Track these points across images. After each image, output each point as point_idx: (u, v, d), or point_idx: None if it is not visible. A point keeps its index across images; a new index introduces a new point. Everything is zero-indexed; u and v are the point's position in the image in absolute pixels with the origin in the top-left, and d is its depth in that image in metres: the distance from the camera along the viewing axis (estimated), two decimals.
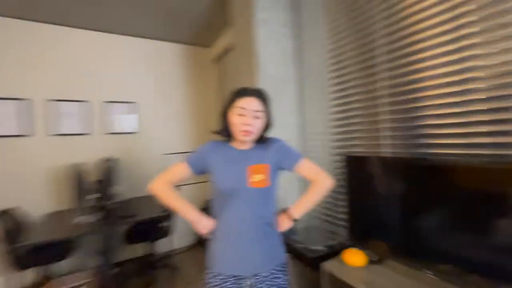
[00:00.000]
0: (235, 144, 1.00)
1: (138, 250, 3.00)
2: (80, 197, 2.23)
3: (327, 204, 1.77)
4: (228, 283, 0.92)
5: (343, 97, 1.59)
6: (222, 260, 0.95)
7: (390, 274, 1.06)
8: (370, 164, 1.24)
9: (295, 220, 1.02)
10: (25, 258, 1.92)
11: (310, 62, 1.86)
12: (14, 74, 2.49)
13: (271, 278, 0.94)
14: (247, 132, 0.92)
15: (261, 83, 1.82)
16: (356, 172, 1.30)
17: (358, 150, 1.49)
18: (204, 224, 0.97)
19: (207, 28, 2.91)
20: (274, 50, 1.87)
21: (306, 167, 1.03)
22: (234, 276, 0.93)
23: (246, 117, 0.92)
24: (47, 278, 2.33)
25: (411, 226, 1.06)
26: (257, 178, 0.93)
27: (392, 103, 1.29)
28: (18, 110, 2.50)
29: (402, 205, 1.10)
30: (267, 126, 0.99)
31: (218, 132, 1.02)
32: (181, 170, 0.99)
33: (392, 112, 1.30)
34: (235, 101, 0.94)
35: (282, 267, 0.99)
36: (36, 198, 2.55)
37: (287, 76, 1.94)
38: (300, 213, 1.02)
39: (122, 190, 2.76)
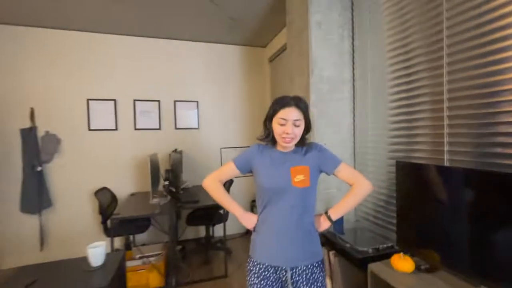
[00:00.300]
0: (278, 147, 1.11)
1: (198, 232, 3.42)
2: (154, 182, 2.65)
3: (379, 207, 1.75)
4: (267, 273, 1.04)
5: (403, 98, 1.53)
6: (264, 250, 1.06)
7: (439, 284, 1.04)
8: (422, 172, 1.21)
9: (332, 222, 1.08)
10: (116, 228, 2.40)
11: (368, 63, 1.83)
12: (106, 79, 3.06)
13: (309, 273, 1.03)
14: (288, 141, 1.02)
15: (313, 84, 1.87)
16: (407, 178, 1.28)
17: (416, 156, 1.44)
18: (248, 219, 1.11)
19: (264, 29, 3.05)
20: (328, 51, 1.89)
21: (346, 171, 1.08)
22: (274, 267, 1.04)
23: (287, 127, 1.00)
24: (129, 246, 2.86)
25: (468, 239, 1.02)
26: (298, 178, 1.02)
27: (459, 107, 1.22)
28: (109, 108, 3.07)
29: (456, 217, 1.06)
30: (307, 131, 1.07)
31: (262, 139, 1.13)
32: (229, 169, 1.13)
33: (457, 117, 1.23)
34: (277, 112, 1.03)
35: (319, 264, 1.07)
36: (122, 181, 3.12)
37: (342, 77, 1.94)
38: (338, 215, 1.08)
39: (186, 178, 3.16)
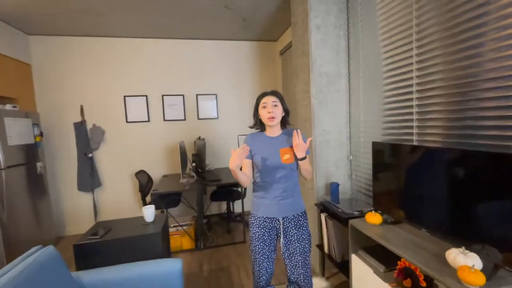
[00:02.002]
0: (267, 133, 1.48)
1: (220, 208, 3.94)
2: (183, 165, 3.15)
3: (369, 181, 2.10)
4: (265, 223, 1.44)
5: (390, 90, 1.83)
6: (262, 208, 1.42)
7: (396, 230, 1.41)
8: (389, 149, 1.56)
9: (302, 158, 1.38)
10: (153, 202, 2.95)
11: (360, 59, 2.12)
12: (139, 78, 3.56)
13: (296, 220, 1.43)
14: (271, 118, 1.39)
15: (313, 79, 2.21)
16: (381, 155, 1.63)
17: (396, 138, 1.77)
18: (234, 162, 1.28)
19: (274, 25, 3.36)
20: (326, 50, 2.20)
21: (306, 161, 1.42)
22: (270, 218, 1.43)
23: (268, 108, 1.38)
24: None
25: (417, 199, 1.38)
26: (286, 157, 1.40)
27: (425, 98, 1.54)
28: (142, 103, 3.59)
29: (413, 184, 1.41)
30: (286, 113, 1.45)
31: (253, 127, 1.51)
32: (245, 164, 1.45)
33: (423, 105, 1.55)
34: (260, 101, 1.42)
35: (303, 214, 1.46)
36: (155, 165, 3.67)
37: (339, 71, 2.26)
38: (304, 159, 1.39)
39: (209, 162, 3.65)
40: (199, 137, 3.51)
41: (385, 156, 1.61)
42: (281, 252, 1.48)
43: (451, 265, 1.04)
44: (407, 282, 1.24)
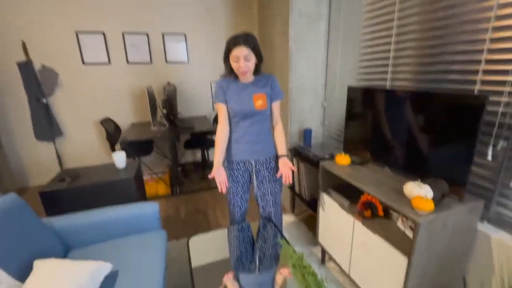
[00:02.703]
0: (240, 79, 1.40)
1: (195, 156, 3.94)
2: (153, 112, 2.98)
3: (340, 127, 2.18)
4: (239, 166, 1.48)
5: (369, 33, 1.77)
6: (237, 152, 1.45)
7: (363, 170, 1.54)
8: (362, 94, 1.59)
9: (288, 156, 1.47)
10: (125, 150, 2.83)
11: (342, 0, 1.98)
12: (92, 9, 3.04)
13: (267, 162, 1.49)
14: (244, 73, 1.32)
15: (293, 19, 2.05)
16: (353, 100, 1.66)
17: (371, 83, 1.79)
18: (218, 174, 1.35)
19: None
20: None
21: (277, 107, 1.45)
22: (243, 161, 1.47)
23: (240, 62, 1.27)
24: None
25: (382, 141, 1.47)
26: (259, 103, 1.37)
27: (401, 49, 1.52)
28: (100, 41, 3.14)
29: (380, 126, 1.49)
30: (259, 60, 1.35)
31: (226, 75, 1.41)
32: (222, 109, 1.40)
33: (398, 57, 1.54)
34: (230, 51, 1.27)
35: (274, 157, 1.51)
36: (122, 112, 3.42)
37: (319, 12, 2.11)
38: (286, 151, 1.46)
39: (180, 110, 3.49)
40: (169, 83, 3.27)
41: (358, 100, 1.64)
42: (254, 192, 1.56)
43: (407, 196, 1.18)
44: (368, 213, 1.40)
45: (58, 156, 3.26)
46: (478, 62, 1.16)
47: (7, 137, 3.07)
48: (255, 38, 1.32)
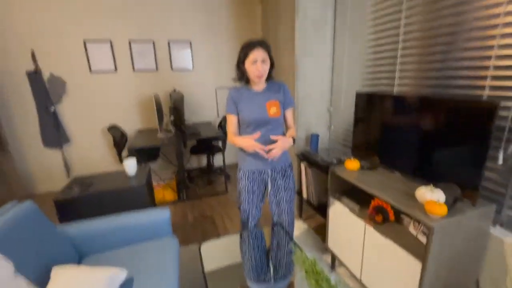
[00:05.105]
0: (252, 87, 1.42)
1: (200, 162, 3.96)
2: (159, 119, 3.01)
3: (347, 132, 2.20)
4: (254, 175, 1.47)
5: (376, 39, 1.80)
6: (251, 161, 1.43)
7: (372, 174, 1.55)
8: (371, 99, 1.61)
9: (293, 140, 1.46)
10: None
11: (350, 3, 2.01)
12: (100, 18, 3.09)
13: (283, 171, 1.49)
14: (260, 76, 1.33)
15: (299, 24, 2.09)
16: (361, 105, 1.68)
17: (377, 88, 1.81)
18: (252, 144, 1.34)
19: None
20: None
21: (290, 114, 1.47)
22: (259, 170, 1.46)
23: (257, 65, 1.30)
24: None
25: (392, 145, 1.49)
26: (273, 110, 1.38)
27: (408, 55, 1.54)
28: (107, 50, 3.20)
29: (389, 131, 1.50)
30: (272, 66, 1.38)
31: (238, 80, 1.43)
32: (233, 120, 1.42)
33: (405, 63, 1.56)
34: (248, 54, 1.30)
35: (290, 165, 1.52)
36: (128, 119, 3.46)
37: (326, 16, 2.14)
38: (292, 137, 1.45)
39: (186, 117, 3.52)
40: (175, 90, 3.31)
41: (367, 106, 1.66)
42: (269, 200, 1.56)
43: (419, 201, 1.19)
44: (379, 218, 1.40)
45: (66, 163, 3.30)
46: (487, 68, 1.19)
47: (15, 144, 3.11)
48: (269, 44, 1.36)
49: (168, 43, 3.41)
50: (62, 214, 1.52)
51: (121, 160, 3.02)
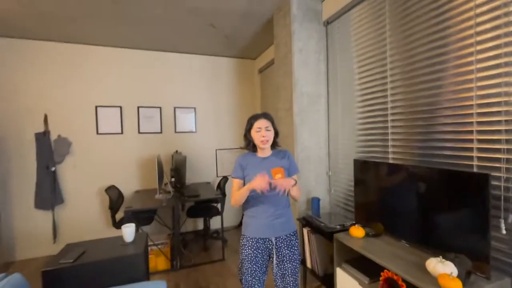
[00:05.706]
0: (258, 154, 1.52)
1: (196, 225, 3.80)
2: (160, 180, 3.02)
3: (348, 196, 2.22)
4: (258, 244, 1.43)
5: (366, 111, 2.00)
6: (254, 228, 1.43)
7: (378, 242, 1.51)
8: (370, 167, 1.69)
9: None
10: (126, 220, 2.75)
11: (338, 81, 2.30)
12: (113, 88, 3.40)
13: (288, 240, 1.46)
14: (265, 141, 1.44)
15: (296, 98, 2.33)
16: (361, 172, 1.76)
17: (372, 155, 1.92)
18: (257, 180, 1.30)
19: (255, 44, 3.49)
20: (307, 72, 2.35)
21: (295, 187, 1.47)
22: (263, 239, 1.44)
23: (262, 132, 1.44)
24: None
25: (395, 213, 1.50)
26: (278, 176, 1.42)
27: (397, 120, 1.71)
28: (115, 114, 3.41)
29: (391, 199, 1.54)
30: (276, 134, 1.51)
31: (245, 147, 1.54)
32: (238, 184, 1.46)
33: (395, 126, 1.72)
34: (253, 124, 1.46)
35: (295, 233, 1.50)
36: (127, 180, 3.46)
37: (319, 92, 2.41)
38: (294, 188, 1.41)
39: (187, 176, 3.54)
40: (176, 151, 3.42)
41: (366, 172, 1.74)
42: (273, 273, 1.48)
43: (431, 273, 1.15)
44: None
45: (54, 226, 3.13)
46: (471, 141, 1.31)
47: (4, 204, 2.99)
48: (272, 117, 1.51)
49: (174, 109, 3.68)
50: (50, 287, 1.38)
51: (114, 223, 2.89)
